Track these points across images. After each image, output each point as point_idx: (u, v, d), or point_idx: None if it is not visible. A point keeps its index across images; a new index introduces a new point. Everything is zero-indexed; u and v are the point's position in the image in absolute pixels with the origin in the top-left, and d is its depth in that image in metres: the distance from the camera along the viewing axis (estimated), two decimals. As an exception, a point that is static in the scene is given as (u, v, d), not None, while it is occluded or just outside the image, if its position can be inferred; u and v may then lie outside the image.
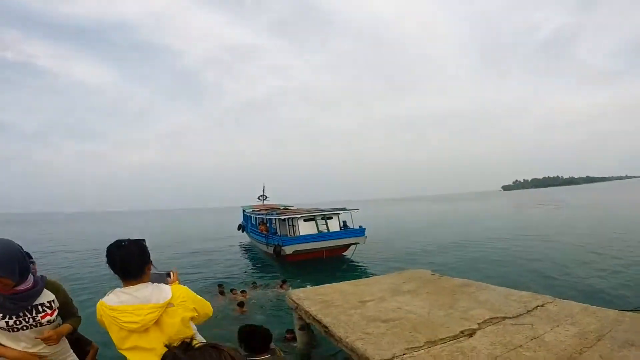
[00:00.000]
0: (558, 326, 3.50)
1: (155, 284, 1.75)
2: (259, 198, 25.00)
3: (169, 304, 1.66)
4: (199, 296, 1.90)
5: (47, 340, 1.86)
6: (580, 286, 8.85)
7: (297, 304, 4.97)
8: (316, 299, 4.88)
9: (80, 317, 2.19)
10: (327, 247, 14.77)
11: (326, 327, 3.96)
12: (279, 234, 16.43)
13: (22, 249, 1.85)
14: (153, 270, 1.90)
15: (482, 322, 3.70)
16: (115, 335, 1.65)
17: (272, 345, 3.91)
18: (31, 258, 2.40)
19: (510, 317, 3.82)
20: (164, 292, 1.69)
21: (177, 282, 2.03)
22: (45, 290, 1.92)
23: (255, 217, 21.13)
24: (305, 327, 5.20)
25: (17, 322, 1.80)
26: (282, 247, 14.21)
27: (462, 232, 22.83)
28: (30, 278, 1.86)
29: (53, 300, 1.94)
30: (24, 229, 51.76)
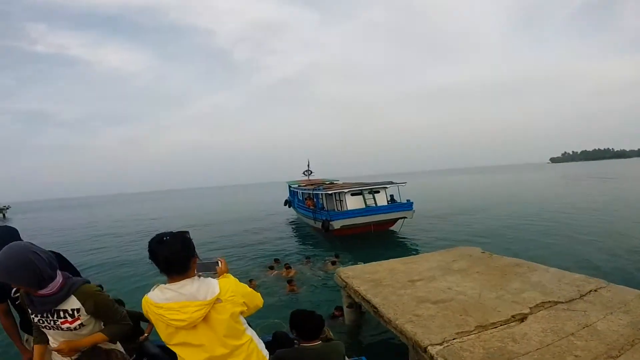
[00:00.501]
0: (611, 314, 3.46)
1: (201, 278, 1.71)
2: (304, 173, 25.66)
3: (216, 300, 1.62)
4: (249, 288, 1.86)
5: (58, 351, 1.89)
6: (634, 270, 8.35)
7: (345, 282, 5.18)
8: (365, 278, 5.07)
9: (125, 324, 2.07)
10: (374, 221, 14.93)
11: (375, 308, 4.14)
12: (326, 208, 16.68)
13: (42, 253, 1.76)
14: (201, 260, 1.89)
15: (534, 306, 3.75)
16: (162, 332, 1.67)
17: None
18: (64, 260, 2.38)
19: (562, 302, 3.81)
20: (211, 288, 1.64)
21: (226, 271, 1.97)
22: (72, 296, 1.85)
23: (302, 192, 21.50)
24: (354, 305, 5.45)
25: (41, 321, 1.87)
26: (330, 222, 14.51)
27: (510, 206, 22.03)
28: (56, 283, 1.80)
29: (78, 309, 1.87)
30: (87, 211, 54.90)
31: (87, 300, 1.88)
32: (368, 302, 4.35)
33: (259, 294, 1.92)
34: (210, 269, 1.94)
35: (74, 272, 2.44)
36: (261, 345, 1.87)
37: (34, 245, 1.77)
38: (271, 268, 10.50)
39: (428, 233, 15.36)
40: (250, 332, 1.83)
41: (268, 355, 1.89)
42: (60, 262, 2.36)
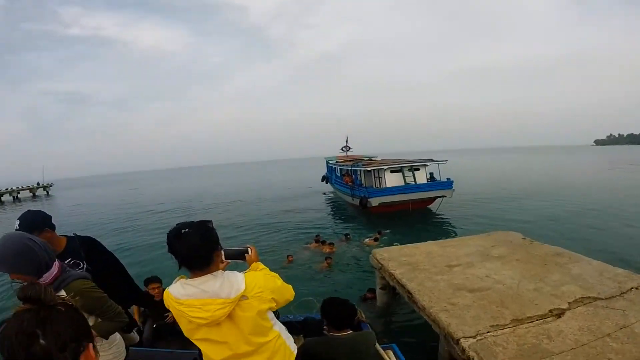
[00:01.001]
0: (651, 315, 3.44)
1: (226, 273, 1.62)
2: (342, 149, 25.65)
3: (242, 297, 1.55)
4: (279, 281, 1.76)
5: None
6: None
7: (381, 264, 5.34)
8: (401, 261, 5.21)
9: (119, 321, 1.98)
10: (413, 199, 14.93)
11: (410, 293, 4.27)
12: (364, 185, 16.72)
13: (39, 241, 1.72)
14: (230, 247, 1.85)
15: (573, 301, 3.76)
16: (184, 326, 1.62)
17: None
18: (98, 246, 2.45)
19: (602, 299, 3.78)
20: (236, 284, 1.55)
21: (256, 260, 1.93)
22: (62, 291, 1.76)
23: (340, 169, 21.62)
24: (387, 287, 5.64)
25: None
26: (369, 199, 14.60)
27: (553, 190, 21.17)
28: (50, 274, 1.75)
29: None
30: (125, 187, 57.43)
31: (75, 297, 1.74)
32: (403, 286, 4.50)
33: (290, 286, 1.83)
34: (238, 257, 1.89)
35: (108, 258, 2.58)
36: (289, 341, 1.83)
37: (31, 235, 1.74)
38: (315, 242, 10.89)
39: (466, 214, 15.19)
40: (278, 328, 1.78)
41: (296, 350, 1.87)
42: (94, 248, 2.49)
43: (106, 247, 2.62)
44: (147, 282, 4.28)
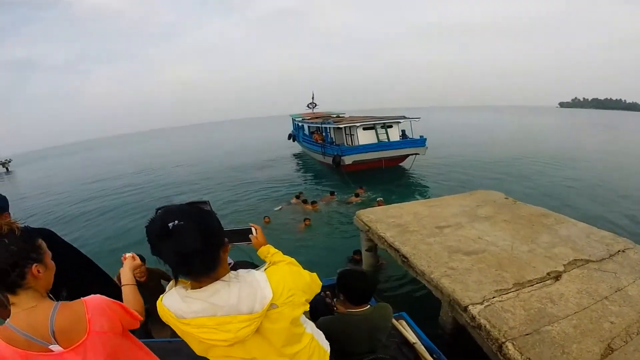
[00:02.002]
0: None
1: (242, 275, 1.23)
2: (308, 106, 25.27)
3: (271, 306, 1.20)
4: (307, 274, 1.43)
5: None
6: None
7: (368, 226, 5.18)
8: (389, 222, 5.08)
9: None
10: (386, 157, 14.92)
11: (405, 257, 4.17)
12: (336, 143, 16.53)
13: None
14: (229, 227, 1.50)
15: (567, 263, 3.84)
16: (194, 346, 1.27)
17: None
18: (56, 239, 2.07)
19: (593, 261, 3.89)
20: (260, 292, 1.18)
21: (264, 243, 1.64)
22: None
23: (308, 126, 21.14)
24: (373, 249, 5.57)
25: None
26: (342, 157, 14.40)
27: (522, 149, 21.77)
28: None
29: None
30: (88, 155, 54.04)
31: None
32: (396, 250, 4.37)
33: (316, 275, 1.50)
34: (241, 239, 1.57)
35: (68, 252, 2.21)
36: (322, 340, 1.60)
37: None
38: (297, 197, 10.76)
39: (439, 172, 15.52)
40: (310, 328, 1.51)
41: (328, 346, 1.61)
42: (53, 242, 2.01)
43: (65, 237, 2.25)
44: None
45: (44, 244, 1.31)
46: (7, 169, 46.12)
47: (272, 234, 8.48)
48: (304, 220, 8.72)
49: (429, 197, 10.48)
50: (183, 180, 17.59)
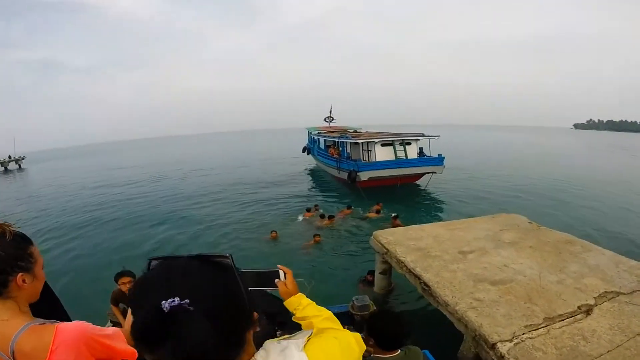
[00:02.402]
0: (673, 312, 3.49)
1: (273, 353, 0.87)
2: (325, 120, 25.32)
3: None
4: (352, 340, 1.06)
5: None
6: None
7: (386, 249, 5.09)
8: (409, 245, 4.99)
9: None
10: (403, 174, 14.83)
11: (427, 285, 4.06)
12: (352, 158, 16.45)
13: None
14: (254, 268, 1.31)
15: (598, 296, 3.74)
16: None
17: (367, 300, 4.23)
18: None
19: (624, 293, 3.78)
20: None
21: (294, 292, 1.31)
22: None
23: (324, 140, 21.10)
24: (387, 272, 5.49)
25: None
26: (358, 173, 14.30)
27: (539, 170, 21.48)
28: None
29: None
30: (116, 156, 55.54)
31: None
32: (417, 277, 4.28)
33: (359, 335, 1.13)
34: (267, 284, 1.31)
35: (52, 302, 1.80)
36: None
37: None
38: (308, 211, 10.67)
39: (454, 191, 15.42)
40: None
41: None
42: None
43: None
44: (118, 276, 3.74)
45: (36, 252, 1.23)
46: (19, 165, 47.24)
47: (279, 249, 8.45)
48: (314, 236, 8.63)
49: (445, 218, 10.39)
50: (192, 191, 17.58)
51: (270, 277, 1.32)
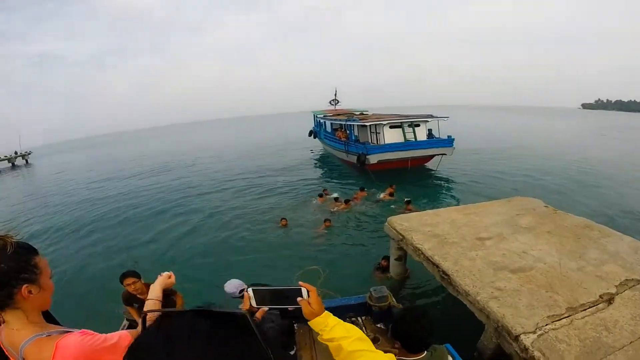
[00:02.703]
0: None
1: None
2: (330, 103, 25.33)
3: None
4: None
5: None
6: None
7: (402, 235, 5.05)
8: (426, 232, 4.97)
9: None
10: (413, 156, 14.75)
11: (446, 274, 4.06)
12: (360, 141, 16.33)
13: None
14: (273, 286, 1.26)
15: (619, 284, 3.75)
16: None
17: (385, 291, 4.22)
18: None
19: None
20: None
21: (319, 311, 1.19)
22: None
23: (331, 123, 20.99)
24: (402, 258, 5.49)
25: None
26: (367, 156, 14.24)
27: (549, 152, 21.18)
28: None
29: None
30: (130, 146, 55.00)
31: None
32: (436, 265, 4.27)
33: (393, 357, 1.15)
34: (287, 302, 1.22)
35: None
36: None
37: None
38: (320, 196, 10.68)
39: (465, 172, 15.38)
40: None
41: None
42: None
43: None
44: (122, 278, 3.59)
45: (42, 262, 1.24)
46: (26, 161, 47.65)
47: (290, 238, 8.43)
48: (324, 221, 8.60)
49: (459, 200, 10.36)
50: (198, 180, 17.50)
51: (291, 295, 1.20)
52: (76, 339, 1.21)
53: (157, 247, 8.56)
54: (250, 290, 1.17)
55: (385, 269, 6.02)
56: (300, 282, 1.21)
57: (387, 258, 6.06)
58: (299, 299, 1.19)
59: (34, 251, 1.24)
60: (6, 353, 1.19)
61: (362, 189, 11.53)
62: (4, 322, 1.19)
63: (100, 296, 6.15)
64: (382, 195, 10.86)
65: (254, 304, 1.18)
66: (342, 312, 3.92)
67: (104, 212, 12.81)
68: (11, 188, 23.89)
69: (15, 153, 47.96)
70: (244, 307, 1.22)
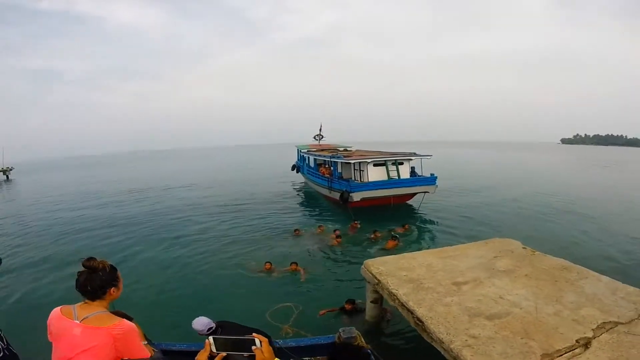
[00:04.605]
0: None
1: None
2: (315, 138, 26.18)
3: None
4: None
5: None
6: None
7: (378, 280, 5.11)
8: (401, 277, 5.02)
9: None
10: (395, 194, 15.19)
11: (420, 321, 4.08)
12: (344, 178, 16.81)
13: None
14: (221, 335, 1.48)
15: (596, 327, 3.80)
16: None
17: (353, 332, 4.28)
18: None
19: (622, 323, 3.84)
20: None
21: (269, 350, 1.43)
22: None
23: (315, 159, 21.52)
24: (379, 301, 5.51)
25: None
26: (350, 194, 14.57)
27: (530, 189, 22.05)
28: None
29: None
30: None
31: None
32: (410, 312, 4.30)
33: None
34: (242, 349, 1.42)
35: None
36: None
37: None
38: (296, 231, 11.10)
39: (446, 210, 15.80)
40: None
41: None
42: None
43: None
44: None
45: (120, 274, 2.27)
46: (7, 176, 47.27)
47: (270, 276, 8.45)
48: (291, 264, 8.66)
49: (438, 240, 10.57)
50: (175, 207, 17.89)
51: (246, 344, 1.42)
52: (130, 323, 2.15)
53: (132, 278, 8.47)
54: (211, 338, 1.44)
55: (349, 312, 6.04)
56: (254, 334, 1.43)
57: (351, 301, 6.12)
58: (253, 347, 1.40)
59: (116, 269, 2.27)
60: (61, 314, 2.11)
61: (355, 221, 12.28)
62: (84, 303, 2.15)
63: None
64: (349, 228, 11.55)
65: (213, 349, 1.43)
66: (309, 352, 3.99)
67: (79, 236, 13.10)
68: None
69: (-5, 167, 47.28)
70: (204, 352, 1.43)
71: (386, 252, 9.38)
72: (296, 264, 8.43)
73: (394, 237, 10.05)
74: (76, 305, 2.14)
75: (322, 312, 6.32)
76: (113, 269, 2.21)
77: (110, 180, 36.28)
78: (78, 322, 2.04)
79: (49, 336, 2.13)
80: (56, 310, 2.14)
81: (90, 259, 2.16)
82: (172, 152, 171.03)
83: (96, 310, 2.11)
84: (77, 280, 2.11)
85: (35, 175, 54.05)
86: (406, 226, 11.85)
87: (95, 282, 2.10)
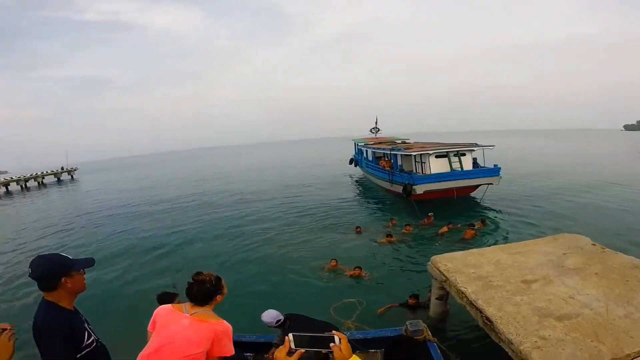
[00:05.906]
0: None
1: None
2: (371, 131, 26.95)
3: None
4: None
5: None
6: None
7: (446, 277, 5.45)
8: (469, 274, 5.34)
9: None
10: (459, 186, 15.36)
11: (489, 321, 4.38)
12: (404, 170, 17.10)
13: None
14: (301, 332, 1.57)
15: None
16: None
17: (420, 325, 4.68)
18: None
19: None
20: None
21: (347, 347, 1.52)
22: None
23: (373, 152, 21.91)
24: (444, 297, 5.86)
25: None
26: (413, 186, 14.91)
27: (590, 182, 21.01)
28: None
29: None
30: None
31: None
32: (479, 310, 4.61)
33: None
34: (321, 346, 1.53)
35: None
36: None
37: None
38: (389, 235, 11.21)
39: (511, 203, 15.68)
40: None
41: None
42: None
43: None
44: (161, 299, 4.19)
45: (224, 282, 2.73)
46: (72, 176, 54.08)
47: (336, 272, 9.05)
48: (330, 261, 9.10)
49: (505, 233, 10.82)
50: (239, 205, 19.29)
51: (324, 341, 1.53)
52: (228, 324, 2.61)
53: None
54: (290, 335, 1.54)
55: (413, 308, 6.47)
56: (333, 331, 1.57)
57: (415, 296, 6.55)
58: (331, 344, 1.51)
59: (220, 278, 2.72)
60: (172, 309, 2.62)
61: (428, 215, 12.48)
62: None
63: (133, 312, 7.30)
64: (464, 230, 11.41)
65: (292, 346, 1.52)
66: (375, 344, 4.43)
67: (149, 230, 14.75)
68: (53, 201, 29.17)
69: (62, 168, 54.49)
70: (284, 348, 1.54)
71: (460, 243, 9.79)
72: (360, 268, 8.63)
73: (471, 226, 10.42)
74: (186, 303, 2.62)
75: (380, 310, 6.80)
76: (218, 279, 2.66)
77: (176, 177, 40.28)
78: (188, 315, 2.50)
79: (150, 326, 2.60)
80: (167, 305, 2.65)
81: (199, 273, 2.64)
82: (222, 150, 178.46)
83: (204, 309, 2.59)
84: (189, 289, 2.58)
85: (94, 174, 60.01)
86: (484, 220, 12.03)
87: (205, 292, 2.57)
